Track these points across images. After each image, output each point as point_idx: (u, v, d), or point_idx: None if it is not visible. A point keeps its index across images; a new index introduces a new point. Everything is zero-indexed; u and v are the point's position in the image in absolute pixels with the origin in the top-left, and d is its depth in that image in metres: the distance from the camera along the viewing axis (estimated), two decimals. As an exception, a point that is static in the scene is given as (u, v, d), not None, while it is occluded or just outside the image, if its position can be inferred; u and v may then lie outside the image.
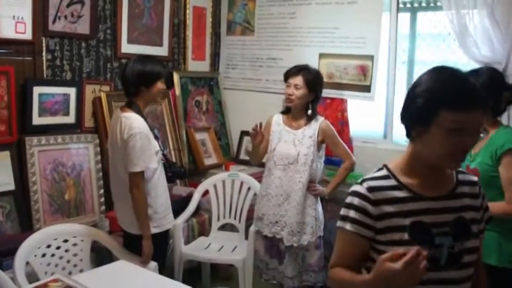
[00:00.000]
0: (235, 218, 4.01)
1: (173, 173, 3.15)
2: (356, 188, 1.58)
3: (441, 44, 3.86)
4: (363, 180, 1.58)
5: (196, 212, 3.95)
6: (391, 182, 1.56)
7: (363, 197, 1.54)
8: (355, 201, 1.55)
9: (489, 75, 2.51)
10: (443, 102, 1.42)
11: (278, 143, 3.24)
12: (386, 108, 4.11)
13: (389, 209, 1.52)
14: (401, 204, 1.52)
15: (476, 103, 1.42)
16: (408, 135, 1.56)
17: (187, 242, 3.75)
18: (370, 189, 1.54)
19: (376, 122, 4.21)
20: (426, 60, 3.92)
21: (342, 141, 3.33)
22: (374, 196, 1.53)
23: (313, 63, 4.23)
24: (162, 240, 3.03)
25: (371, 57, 4.00)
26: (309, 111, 3.25)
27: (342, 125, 4.09)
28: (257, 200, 3.39)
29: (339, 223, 1.59)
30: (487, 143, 2.48)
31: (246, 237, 3.69)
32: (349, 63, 4.07)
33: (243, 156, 4.75)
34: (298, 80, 3.18)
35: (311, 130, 3.20)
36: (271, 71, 4.62)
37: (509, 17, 3.27)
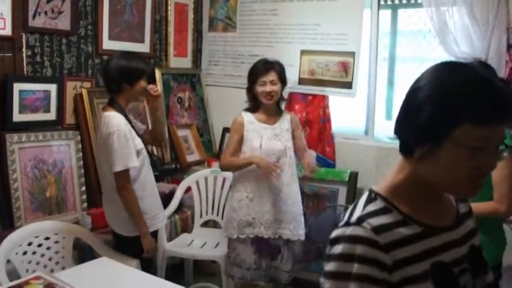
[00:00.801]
0: (217, 215, 4.02)
1: (164, 170, 3.10)
2: (354, 231, 1.13)
3: (421, 41, 3.90)
4: (360, 219, 1.14)
5: (179, 209, 3.95)
6: (395, 217, 1.16)
7: (370, 243, 1.11)
8: (358, 249, 1.10)
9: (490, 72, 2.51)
10: (466, 113, 1.07)
11: (261, 140, 3.17)
12: (367, 104, 4.14)
13: (402, 253, 1.12)
14: (414, 244, 1.14)
15: (508, 115, 1.08)
16: (406, 151, 1.19)
17: (170, 239, 3.75)
18: (376, 230, 1.12)
19: (357, 118, 4.24)
20: (407, 57, 3.96)
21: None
22: (383, 239, 1.11)
23: (295, 59, 4.27)
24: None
25: (352, 54, 4.02)
26: (283, 102, 3.33)
27: (324, 121, 4.11)
28: (241, 205, 3.18)
29: (333, 284, 1.13)
30: None
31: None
32: (331, 59, 4.09)
33: (225, 152, 4.76)
34: (273, 75, 3.14)
35: (285, 123, 3.23)
36: (253, 67, 4.62)
37: (487, 14, 3.32)
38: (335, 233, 1.16)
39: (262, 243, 3.21)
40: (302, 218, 3.25)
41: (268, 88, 3.13)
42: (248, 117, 3.24)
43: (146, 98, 3.07)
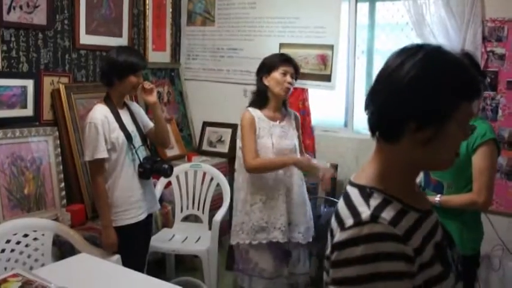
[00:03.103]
0: (198, 209, 4.01)
1: (152, 169, 3.04)
2: (373, 229, 1.08)
3: (399, 34, 3.93)
4: (374, 216, 1.10)
5: (160, 204, 3.92)
6: (397, 207, 1.14)
7: (393, 238, 1.08)
8: (383, 247, 1.06)
9: (470, 58, 2.52)
10: (465, 92, 1.14)
11: (272, 139, 3.02)
12: (346, 97, 4.17)
13: (416, 242, 1.12)
14: (419, 230, 1.15)
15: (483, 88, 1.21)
16: (392, 137, 1.17)
17: (152, 233, 3.73)
18: (392, 223, 1.10)
19: (336, 111, 4.26)
20: (385, 50, 3.99)
21: None
22: (399, 231, 1.09)
23: (274, 53, 4.26)
24: (122, 234, 2.96)
25: (331, 47, 4.04)
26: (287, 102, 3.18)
27: (304, 114, 4.12)
28: (254, 208, 3.02)
29: None
30: None
31: (210, 228, 3.70)
32: (310, 52, 4.10)
33: (205, 147, 4.76)
34: (293, 69, 3.03)
35: (292, 121, 3.14)
36: (232, 61, 4.63)
37: (463, 7, 3.37)
38: (345, 236, 1.10)
39: (278, 249, 3.06)
40: (312, 222, 3.16)
41: (289, 78, 3.00)
42: (256, 114, 3.06)
43: (144, 92, 3.06)
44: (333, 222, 1.21)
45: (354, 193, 1.20)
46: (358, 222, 1.10)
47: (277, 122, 3.09)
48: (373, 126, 1.22)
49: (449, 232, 1.34)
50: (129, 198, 2.98)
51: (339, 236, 1.12)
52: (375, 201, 1.14)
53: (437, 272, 1.14)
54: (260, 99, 3.09)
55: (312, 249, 3.31)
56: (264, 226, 2.98)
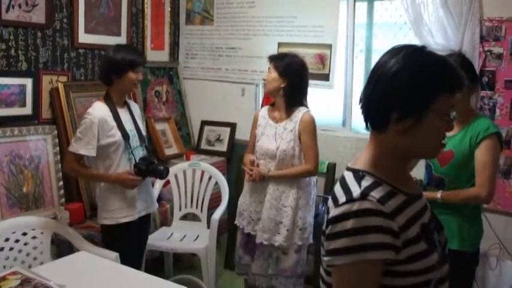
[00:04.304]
0: (197, 208, 4.02)
1: (148, 170, 3.02)
2: (362, 205, 1.21)
3: (397, 33, 3.93)
4: (364, 194, 1.24)
5: (158, 202, 3.92)
6: (386, 189, 1.28)
7: (380, 213, 1.21)
8: (371, 221, 1.20)
9: (462, 56, 2.55)
10: (444, 85, 1.25)
11: (261, 136, 3.15)
12: (344, 96, 4.17)
13: (402, 220, 1.25)
14: (406, 210, 1.28)
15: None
16: (380, 126, 1.31)
17: (149, 233, 3.73)
18: (380, 201, 1.23)
19: (335, 110, 4.26)
20: (383, 49, 3.98)
21: (315, 143, 3.12)
22: (387, 209, 1.23)
23: (272, 52, 4.26)
24: (118, 232, 2.98)
25: (329, 46, 4.05)
26: (296, 103, 3.11)
27: (302, 113, 4.12)
28: (243, 193, 3.28)
29: (349, 257, 1.20)
30: (466, 128, 2.47)
31: (208, 227, 3.70)
32: (308, 52, 4.10)
33: (203, 145, 4.76)
34: (272, 64, 3.11)
35: (292, 123, 3.07)
36: (230, 60, 4.63)
37: (461, 6, 3.37)
38: (338, 211, 1.24)
39: (247, 238, 3.23)
40: (282, 228, 3.04)
41: (267, 75, 3.13)
42: (263, 112, 3.25)
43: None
44: (330, 202, 1.35)
45: (348, 176, 1.34)
46: (350, 199, 1.24)
47: (276, 122, 3.12)
48: (365, 117, 1.36)
49: (438, 218, 1.45)
50: (123, 198, 2.98)
51: (333, 212, 1.27)
52: (366, 182, 1.28)
53: (421, 249, 1.26)
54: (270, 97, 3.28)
55: (310, 248, 3.29)
56: (240, 212, 3.25)
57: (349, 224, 1.20)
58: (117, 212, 2.97)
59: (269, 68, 3.12)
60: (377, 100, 1.29)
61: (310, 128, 3.08)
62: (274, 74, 3.07)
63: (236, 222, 3.29)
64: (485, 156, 2.40)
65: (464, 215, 2.49)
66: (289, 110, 3.10)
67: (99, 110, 2.89)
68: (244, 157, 3.32)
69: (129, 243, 3.03)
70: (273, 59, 3.14)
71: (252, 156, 3.20)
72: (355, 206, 1.21)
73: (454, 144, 2.46)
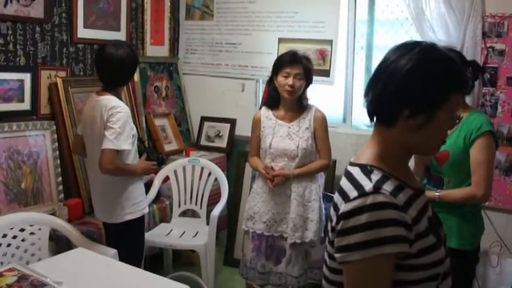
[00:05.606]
0: (196, 204, 4.00)
1: (156, 158, 3.11)
2: (376, 198, 1.20)
3: (399, 29, 3.91)
4: (376, 187, 1.23)
5: (157, 199, 3.93)
6: (394, 182, 1.28)
7: (395, 206, 1.20)
8: (386, 214, 1.19)
9: (459, 54, 2.53)
10: (456, 83, 1.28)
11: (273, 138, 3.06)
12: (345, 92, 4.16)
13: (413, 213, 1.26)
14: (414, 204, 1.28)
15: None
16: (388, 122, 1.31)
17: (148, 229, 3.72)
18: (393, 194, 1.23)
19: (335, 106, 4.24)
20: (384, 45, 3.97)
21: (328, 138, 3.13)
22: (399, 202, 1.23)
23: (273, 47, 4.26)
24: (142, 224, 3.06)
25: (330, 42, 4.03)
26: (307, 101, 3.11)
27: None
28: (249, 198, 3.22)
29: (365, 252, 1.18)
30: (460, 125, 2.45)
31: (208, 223, 3.69)
32: (308, 47, 4.08)
33: (203, 141, 4.74)
34: (298, 69, 2.97)
35: (306, 121, 3.06)
36: (230, 55, 4.61)
37: (463, 2, 3.34)
38: (349, 206, 1.23)
39: (265, 242, 3.12)
40: (310, 224, 3.04)
41: (290, 81, 2.95)
42: (265, 113, 3.15)
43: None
44: (337, 198, 1.33)
45: (355, 171, 1.32)
46: (362, 193, 1.22)
47: (286, 122, 3.08)
48: (372, 112, 1.36)
49: (437, 214, 1.46)
50: (141, 187, 3.04)
51: (344, 207, 1.25)
52: (375, 176, 1.27)
53: (430, 242, 1.27)
54: (273, 99, 3.14)
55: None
56: (251, 215, 3.14)
57: (363, 218, 1.19)
58: (140, 204, 3.00)
59: (296, 74, 2.97)
60: (389, 96, 1.28)
61: (324, 124, 3.11)
62: (303, 80, 3.01)
63: (244, 227, 3.20)
64: (479, 155, 2.38)
65: (463, 213, 2.48)
66: (301, 108, 3.10)
67: (122, 103, 2.88)
68: (250, 161, 3.26)
69: (142, 235, 3.15)
70: (302, 59, 3.02)
71: (261, 161, 3.15)
72: (369, 200, 1.20)
73: (449, 143, 2.44)
